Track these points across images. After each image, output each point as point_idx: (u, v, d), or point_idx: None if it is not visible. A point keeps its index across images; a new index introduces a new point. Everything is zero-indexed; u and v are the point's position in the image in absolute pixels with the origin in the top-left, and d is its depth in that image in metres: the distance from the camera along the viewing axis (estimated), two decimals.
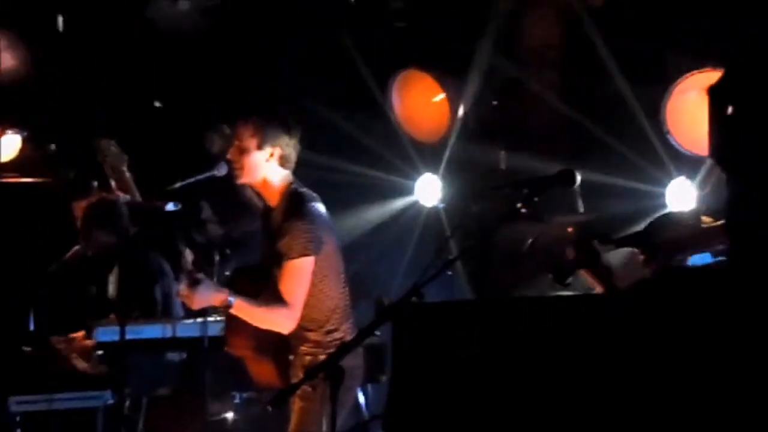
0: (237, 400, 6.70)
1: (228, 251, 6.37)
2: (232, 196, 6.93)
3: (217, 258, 6.24)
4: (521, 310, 2.66)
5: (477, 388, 2.52)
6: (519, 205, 3.90)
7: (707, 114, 3.78)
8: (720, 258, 4.77)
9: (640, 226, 4.31)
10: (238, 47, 8.11)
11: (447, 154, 7.76)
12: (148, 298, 6.58)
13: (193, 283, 4.89)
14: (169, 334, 6.14)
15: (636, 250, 4.22)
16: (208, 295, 4.94)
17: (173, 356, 6.24)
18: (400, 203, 7.88)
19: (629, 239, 4.19)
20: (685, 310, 2.85)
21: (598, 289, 4.46)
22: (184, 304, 6.68)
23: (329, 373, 3.79)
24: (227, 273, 6.25)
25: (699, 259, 5.29)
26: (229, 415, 6.66)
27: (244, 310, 5.01)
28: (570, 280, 4.20)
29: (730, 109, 3.51)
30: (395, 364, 2.53)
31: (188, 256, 5.01)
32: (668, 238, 4.14)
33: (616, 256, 4.31)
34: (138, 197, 7.26)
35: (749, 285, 2.73)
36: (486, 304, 3.21)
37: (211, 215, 6.74)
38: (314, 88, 7.72)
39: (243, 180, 5.17)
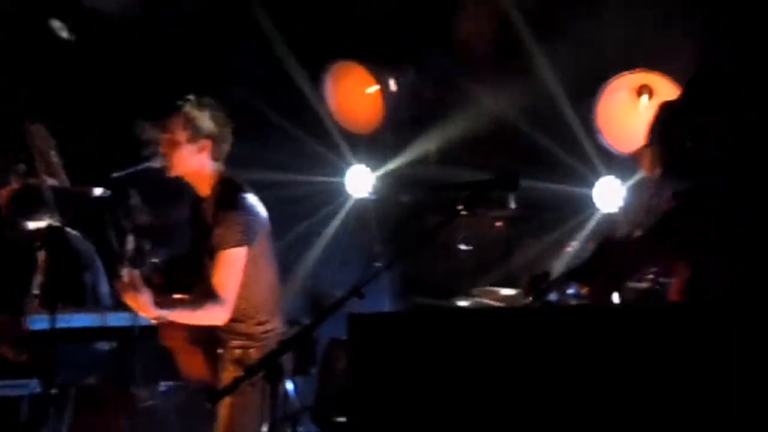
0: (162, 389, 6.68)
1: (156, 239, 6.34)
2: (163, 184, 6.90)
3: (146, 246, 6.20)
4: (476, 321, 2.69)
5: (433, 399, 2.55)
6: (460, 207, 3.95)
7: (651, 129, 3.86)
8: None
9: (579, 259, 4.38)
10: (167, 34, 8.04)
11: (378, 145, 7.79)
12: (78, 285, 6.52)
13: (136, 290, 4.88)
14: (98, 323, 6.08)
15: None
16: (146, 308, 4.96)
17: (103, 345, 6.20)
18: (330, 194, 7.90)
19: (573, 276, 4.28)
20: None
21: None
22: (113, 293, 6.69)
23: (270, 370, 3.80)
24: (155, 261, 6.22)
25: None
26: (156, 404, 6.64)
27: (178, 317, 5.06)
28: None
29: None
30: (352, 373, 2.54)
31: (130, 242, 4.99)
32: (607, 270, 4.22)
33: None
34: (66, 183, 7.17)
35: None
36: (444, 315, 3.24)
37: (139, 203, 6.69)
38: (243, 78, 7.68)
39: (174, 172, 5.19)
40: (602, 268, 4.25)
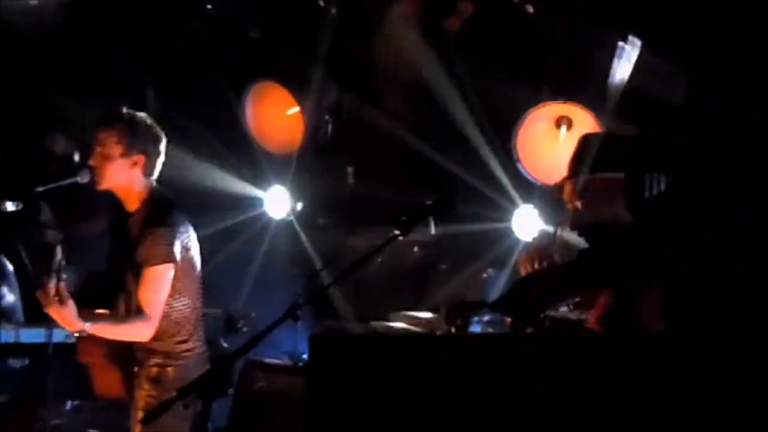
0: (68, 407, 6.59)
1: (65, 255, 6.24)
2: (75, 199, 6.80)
3: (59, 262, 6.09)
4: (443, 346, 2.71)
5: (395, 422, 2.56)
6: (397, 232, 3.99)
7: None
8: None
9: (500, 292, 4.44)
10: (86, 45, 7.94)
11: (297, 166, 7.78)
12: None
13: (61, 302, 4.80)
14: (11, 339, 5.97)
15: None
16: (69, 320, 4.87)
17: (15, 362, 6.08)
18: (248, 214, 7.86)
19: (496, 306, 4.35)
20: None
21: None
22: (26, 310, 6.56)
23: (203, 391, 3.77)
24: (65, 276, 6.11)
25: None
26: (64, 422, 6.54)
27: (101, 331, 4.98)
28: None
29: None
30: (310, 394, 2.54)
31: (59, 252, 4.91)
32: (524, 304, 4.28)
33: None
34: None
35: None
36: (409, 339, 3.25)
37: (50, 217, 6.58)
38: (166, 92, 7.62)
39: (104, 186, 5.13)
40: (523, 297, 4.31)
